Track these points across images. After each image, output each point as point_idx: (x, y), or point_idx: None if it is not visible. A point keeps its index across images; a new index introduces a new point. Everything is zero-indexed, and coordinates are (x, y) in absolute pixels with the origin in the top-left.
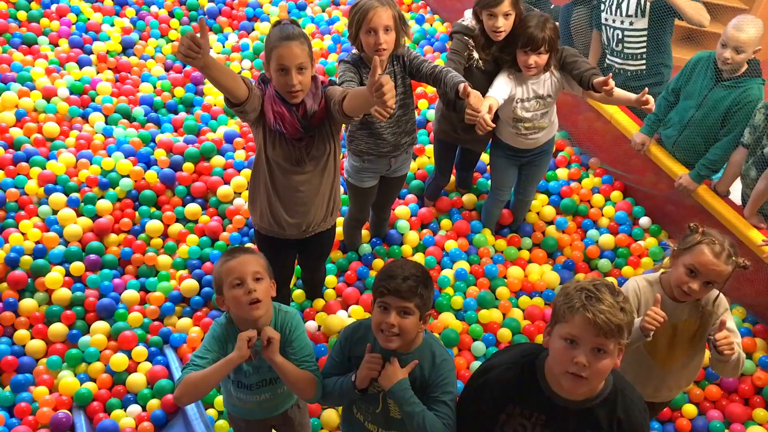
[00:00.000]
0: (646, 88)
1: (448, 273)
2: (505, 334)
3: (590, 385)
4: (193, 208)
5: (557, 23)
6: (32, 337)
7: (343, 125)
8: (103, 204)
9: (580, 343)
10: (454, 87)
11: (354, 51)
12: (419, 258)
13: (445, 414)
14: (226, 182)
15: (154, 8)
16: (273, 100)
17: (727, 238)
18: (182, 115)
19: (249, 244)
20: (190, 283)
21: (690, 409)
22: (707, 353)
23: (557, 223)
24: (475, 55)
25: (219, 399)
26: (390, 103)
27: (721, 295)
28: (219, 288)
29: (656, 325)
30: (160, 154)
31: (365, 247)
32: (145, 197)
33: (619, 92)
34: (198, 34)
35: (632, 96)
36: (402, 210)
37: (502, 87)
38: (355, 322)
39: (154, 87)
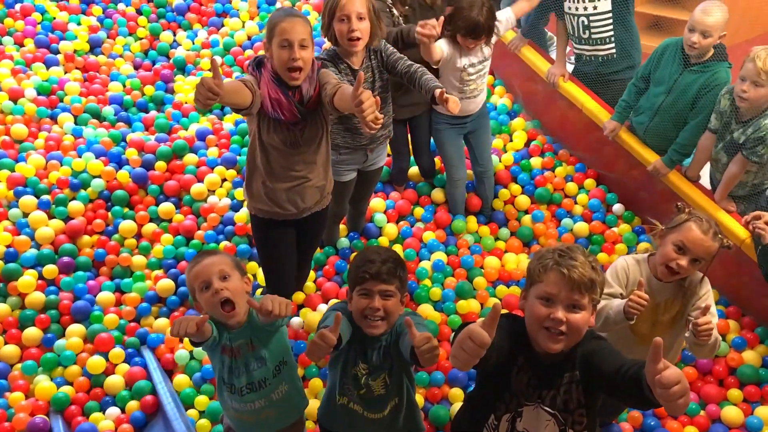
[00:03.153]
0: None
1: (425, 264)
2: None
3: (567, 341)
4: (166, 207)
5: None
6: (6, 343)
7: None
8: (75, 205)
9: (556, 300)
10: (429, 91)
11: (327, 45)
12: (398, 250)
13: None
14: (200, 180)
15: (121, 6)
16: (269, 85)
17: (712, 219)
18: (153, 113)
19: (224, 243)
20: (166, 283)
21: None
22: None
23: (533, 216)
24: (395, 11)
25: (200, 399)
26: (370, 118)
27: (705, 276)
28: (193, 295)
29: (639, 309)
30: (131, 153)
31: (343, 242)
32: (118, 197)
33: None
34: (212, 78)
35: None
36: (378, 202)
37: (443, 45)
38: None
39: (124, 86)
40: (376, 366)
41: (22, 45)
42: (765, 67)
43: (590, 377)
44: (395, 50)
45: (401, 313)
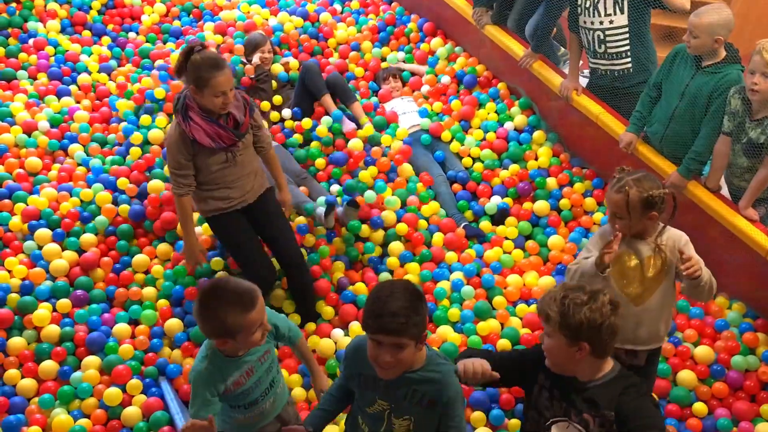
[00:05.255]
0: None
1: (444, 285)
2: (504, 345)
3: (551, 360)
4: (164, 247)
5: None
6: (22, 377)
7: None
8: (87, 237)
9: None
10: None
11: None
12: (415, 268)
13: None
14: None
15: (132, 34)
16: (203, 124)
17: (639, 174)
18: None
19: (220, 274)
20: (174, 322)
21: (700, 407)
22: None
23: (546, 233)
24: None
25: None
26: None
27: (670, 230)
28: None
29: (609, 255)
30: (123, 183)
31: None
32: (123, 232)
33: None
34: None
35: None
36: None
37: None
38: (356, 338)
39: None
40: (401, 407)
41: (35, 78)
42: None
43: (620, 425)
44: None
45: (419, 354)
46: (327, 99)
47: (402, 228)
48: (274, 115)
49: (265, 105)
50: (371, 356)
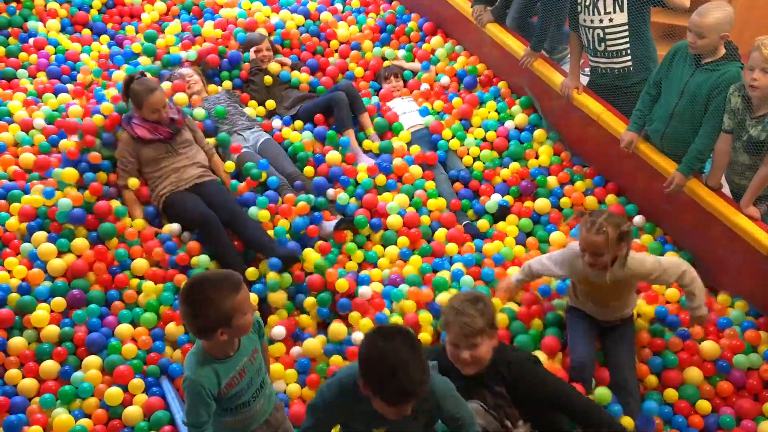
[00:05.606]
0: None
1: (444, 274)
2: (502, 318)
3: (477, 366)
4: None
5: None
6: (23, 376)
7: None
8: (79, 242)
9: (460, 345)
10: None
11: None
12: (416, 261)
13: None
14: None
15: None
16: (144, 124)
17: (606, 214)
18: None
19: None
20: (175, 326)
21: (704, 404)
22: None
23: (547, 230)
24: None
25: None
26: None
27: (633, 258)
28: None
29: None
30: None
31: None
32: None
33: None
34: None
35: None
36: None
37: None
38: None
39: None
40: (397, 429)
41: (35, 77)
42: None
43: (519, 396)
44: None
45: None
46: (351, 134)
47: (403, 241)
48: (260, 110)
49: (253, 104)
50: (385, 412)
